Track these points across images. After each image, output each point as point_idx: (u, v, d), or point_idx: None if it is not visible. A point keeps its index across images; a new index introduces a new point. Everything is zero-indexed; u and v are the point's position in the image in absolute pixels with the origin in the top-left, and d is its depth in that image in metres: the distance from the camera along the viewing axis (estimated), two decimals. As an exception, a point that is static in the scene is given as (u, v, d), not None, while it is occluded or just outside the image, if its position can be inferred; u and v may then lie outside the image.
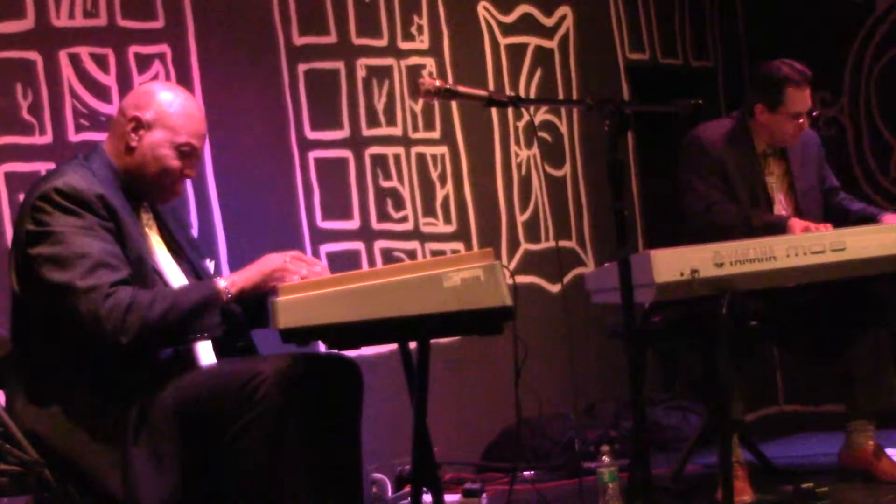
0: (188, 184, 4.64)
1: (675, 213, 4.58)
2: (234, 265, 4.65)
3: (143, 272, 3.01)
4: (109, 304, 2.85)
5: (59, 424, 2.89)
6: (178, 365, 3.01)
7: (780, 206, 4.49)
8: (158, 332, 2.89)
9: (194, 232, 4.67)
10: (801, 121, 4.42)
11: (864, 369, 4.26)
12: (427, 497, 3.19)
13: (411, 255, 5.32)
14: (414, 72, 5.43)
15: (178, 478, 2.87)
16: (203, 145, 3.20)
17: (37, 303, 2.95)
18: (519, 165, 5.82)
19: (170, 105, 3.12)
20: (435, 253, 5.38)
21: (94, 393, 2.91)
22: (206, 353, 3.12)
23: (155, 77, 4.60)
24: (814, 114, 4.49)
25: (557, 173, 6.01)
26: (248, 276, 3.04)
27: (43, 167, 4.17)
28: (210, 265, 3.28)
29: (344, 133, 5.19)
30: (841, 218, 4.45)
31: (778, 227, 4.21)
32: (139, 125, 3.10)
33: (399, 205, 5.33)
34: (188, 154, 3.12)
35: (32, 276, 2.93)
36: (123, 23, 4.56)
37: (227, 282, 3.01)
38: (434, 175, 5.49)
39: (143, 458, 2.85)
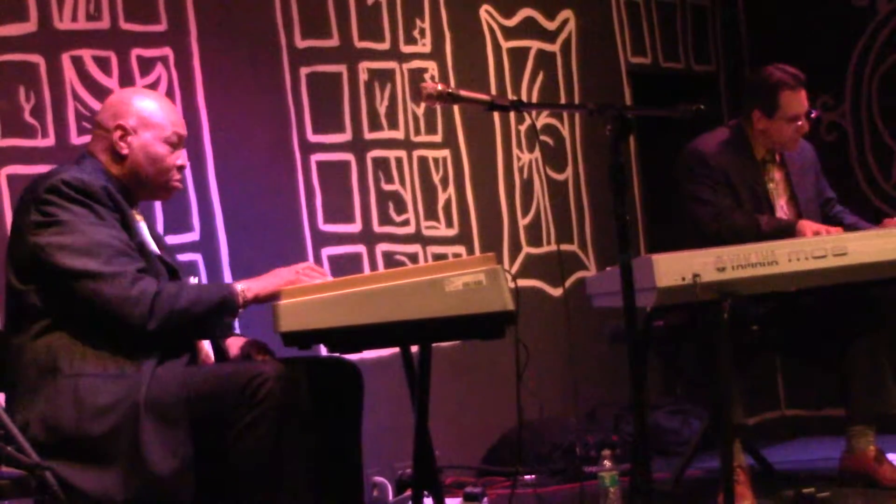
0: (190, 187, 4.67)
1: (676, 217, 4.58)
2: (236, 268, 4.67)
3: (149, 260, 3.08)
4: (138, 290, 2.92)
5: (64, 405, 2.90)
6: (181, 347, 3.04)
7: (782, 213, 4.49)
8: (182, 322, 2.96)
9: (196, 235, 4.68)
10: (799, 123, 4.42)
11: (863, 373, 4.26)
12: (428, 501, 3.19)
13: (413, 258, 5.32)
14: (416, 75, 5.43)
15: (189, 443, 2.88)
16: (186, 134, 3.25)
17: (41, 290, 2.97)
18: (521, 169, 5.82)
19: (147, 105, 3.19)
20: (437, 256, 5.38)
21: (100, 373, 2.93)
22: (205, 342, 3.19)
23: (157, 80, 4.61)
24: (812, 115, 4.49)
25: (559, 177, 6.01)
26: (265, 285, 3.08)
27: (45, 170, 4.15)
28: (193, 281, 3.31)
29: (346, 136, 5.19)
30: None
31: (788, 231, 4.21)
32: (125, 132, 3.15)
33: (401, 208, 5.33)
34: (177, 145, 3.20)
35: (41, 264, 2.95)
36: (126, 26, 4.56)
37: (244, 286, 3.06)
38: (436, 178, 5.49)
39: (152, 423, 2.87)
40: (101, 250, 2.94)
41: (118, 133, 3.15)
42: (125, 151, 3.15)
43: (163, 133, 3.17)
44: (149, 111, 3.17)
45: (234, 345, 3.29)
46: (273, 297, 3.05)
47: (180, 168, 3.21)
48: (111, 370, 2.93)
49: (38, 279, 2.98)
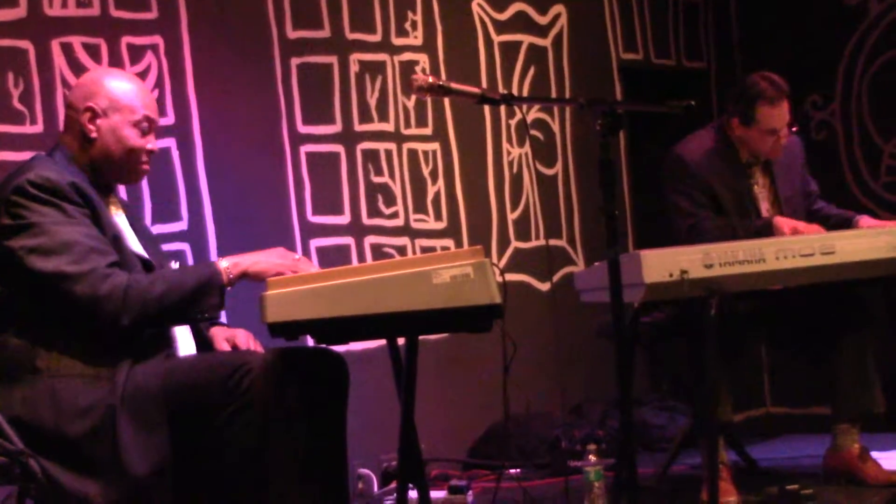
0: (179, 176, 4.66)
1: (664, 215, 4.58)
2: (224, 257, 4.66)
3: (123, 254, 3.02)
4: (108, 286, 2.88)
5: (43, 406, 2.89)
6: (157, 343, 3.02)
7: (767, 215, 4.47)
8: (158, 312, 2.92)
9: (184, 224, 4.67)
10: (777, 136, 4.38)
11: (849, 372, 4.27)
12: (413, 493, 3.19)
13: (401, 251, 5.32)
14: (407, 68, 5.43)
15: (167, 445, 2.87)
16: (157, 118, 3.21)
17: (17, 293, 2.95)
18: (510, 163, 5.82)
19: (118, 87, 3.13)
20: (425, 249, 5.38)
21: (77, 374, 2.91)
22: (183, 335, 3.15)
23: (147, 68, 4.60)
24: (793, 129, 4.45)
25: (549, 172, 6.01)
26: (256, 261, 3.04)
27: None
28: (175, 266, 3.29)
29: (336, 128, 5.19)
30: (820, 224, 4.46)
31: (765, 231, 4.21)
32: (94, 115, 3.10)
33: (390, 200, 5.33)
34: (148, 129, 3.15)
35: (15, 268, 2.93)
36: (116, 13, 4.55)
37: (230, 262, 3.02)
38: (425, 171, 5.49)
39: (130, 425, 2.86)
40: (70, 250, 2.89)
41: (87, 115, 3.10)
42: (94, 135, 3.10)
43: (133, 116, 3.11)
44: (120, 93, 3.12)
45: (220, 335, 3.28)
46: (262, 276, 3.01)
47: (150, 153, 3.17)
48: (88, 371, 2.91)
49: (11, 280, 2.95)
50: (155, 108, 3.19)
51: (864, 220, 4.43)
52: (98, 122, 3.10)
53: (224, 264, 3.01)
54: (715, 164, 4.41)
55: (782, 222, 4.23)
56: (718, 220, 4.34)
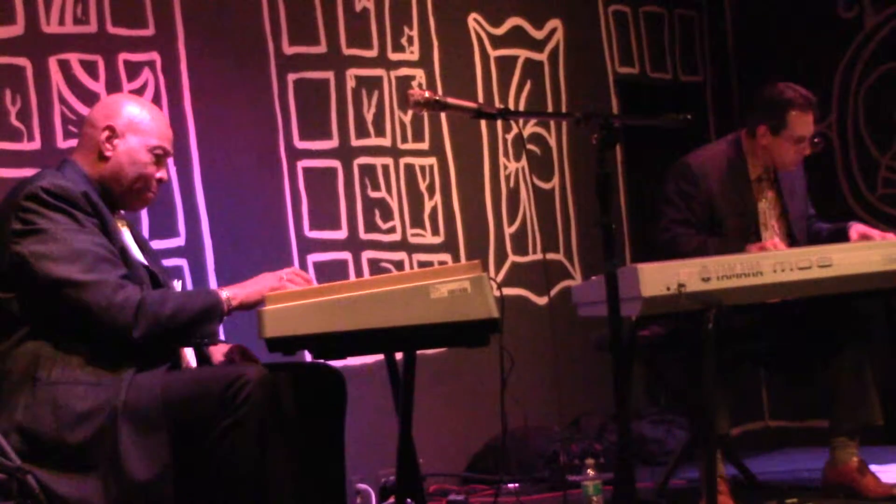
0: (176, 192, 4.66)
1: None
2: (221, 273, 4.67)
3: (131, 266, 3.05)
4: (121, 297, 2.90)
5: (43, 413, 2.89)
6: (160, 354, 3.03)
7: (773, 232, 4.46)
8: (166, 330, 2.94)
9: (181, 240, 4.67)
10: (802, 145, 4.40)
11: (847, 385, 4.27)
12: (411, 508, 3.19)
13: (398, 265, 5.32)
14: (404, 83, 5.43)
15: (168, 451, 2.87)
16: (172, 150, 3.25)
17: (21, 299, 2.96)
18: (507, 177, 5.83)
19: (140, 112, 3.19)
20: (422, 264, 5.38)
21: (78, 381, 2.92)
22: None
23: (144, 85, 4.60)
24: (815, 140, 4.48)
25: (546, 186, 6.02)
26: (250, 292, 3.07)
27: (31, 174, 4.14)
28: (177, 285, 3.30)
29: (333, 143, 5.19)
30: (816, 241, 4.46)
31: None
32: (113, 134, 3.14)
33: (387, 215, 5.33)
34: (161, 157, 3.19)
35: (23, 273, 2.94)
36: (114, 30, 4.56)
37: (229, 293, 3.05)
38: (422, 186, 5.49)
39: (130, 430, 2.86)
40: (82, 258, 2.92)
41: (106, 133, 3.14)
42: (109, 153, 3.14)
43: (150, 142, 3.16)
44: (141, 117, 3.17)
45: (218, 351, 3.28)
46: (258, 303, 3.05)
47: (159, 181, 3.20)
48: (89, 378, 2.91)
49: (18, 287, 2.96)
50: (170, 141, 3.24)
51: (856, 226, 4.43)
52: (115, 141, 3.15)
53: (224, 294, 3.04)
54: (721, 176, 4.41)
55: (751, 246, 4.24)
56: (697, 238, 4.32)
